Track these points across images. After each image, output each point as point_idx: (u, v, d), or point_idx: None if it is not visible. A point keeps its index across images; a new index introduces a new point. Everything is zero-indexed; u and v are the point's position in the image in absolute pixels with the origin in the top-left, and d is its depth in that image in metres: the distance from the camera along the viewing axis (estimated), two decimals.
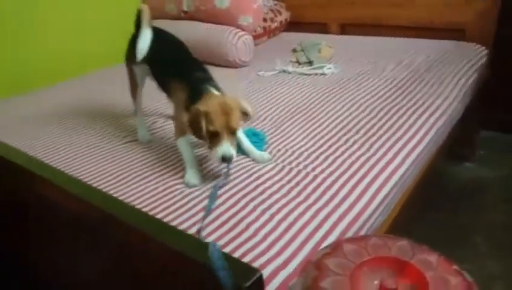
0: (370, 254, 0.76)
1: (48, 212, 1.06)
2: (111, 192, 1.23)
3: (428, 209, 1.82)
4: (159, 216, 1.10)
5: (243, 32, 2.24)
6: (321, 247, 0.96)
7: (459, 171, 2.28)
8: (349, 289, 0.69)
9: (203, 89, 1.22)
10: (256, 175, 1.26)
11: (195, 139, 1.29)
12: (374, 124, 1.51)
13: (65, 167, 1.39)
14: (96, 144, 1.55)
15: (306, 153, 1.36)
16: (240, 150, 1.35)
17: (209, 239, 1.01)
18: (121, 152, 1.48)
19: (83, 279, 1.05)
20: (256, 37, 2.49)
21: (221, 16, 2.29)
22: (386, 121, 1.52)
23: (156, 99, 1.79)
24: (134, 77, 1.55)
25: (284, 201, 1.13)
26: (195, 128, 1.18)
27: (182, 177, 1.27)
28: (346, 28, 2.67)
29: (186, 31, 2.07)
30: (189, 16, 2.41)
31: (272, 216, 1.08)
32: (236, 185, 1.22)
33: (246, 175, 1.26)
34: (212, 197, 1.16)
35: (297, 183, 1.20)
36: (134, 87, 1.58)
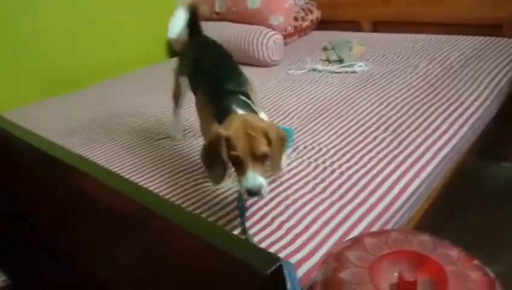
0: (390, 248, 0.77)
1: (86, 204, 1.13)
2: (145, 185, 1.29)
3: (462, 209, 1.78)
4: (189, 209, 1.15)
5: (273, 32, 2.27)
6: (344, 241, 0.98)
7: (496, 171, 2.20)
8: (368, 280, 0.71)
9: (227, 106, 1.09)
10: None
11: None
12: (404, 122, 1.50)
13: (102, 162, 1.47)
14: (131, 141, 1.62)
15: (333, 150, 1.37)
16: None
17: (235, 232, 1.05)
18: (154, 149, 1.54)
19: (118, 269, 1.11)
20: (286, 36, 2.52)
21: (252, 16, 2.33)
22: (416, 119, 1.51)
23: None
24: (178, 87, 1.51)
25: (309, 197, 1.16)
26: (214, 156, 1.02)
27: None
28: (378, 26, 2.65)
29: (218, 32, 2.13)
30: (221, 17, 2.47)
31: (296, 211, 1.10)
32: None
33: None
34: (242, 208, 1.14)
35: (323, 180, 1.22)
36: (177, 96, 1.54)
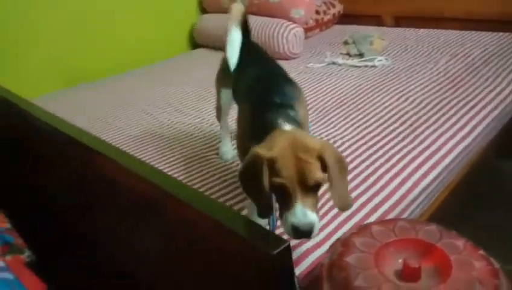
0: (397, 236, 0.79)
1: (112, 190, 1.18)
2: (170, 173, 1.34)
3: (477, 207, 1.76)
4: (208, 193, 1.19)
5: (294, 25, 2.28)
6: None
7: None
8: (373, 265, 0.73)
9: (271, 120, 0.90)
10: None
11: None
12: (421, 117, 1.50)
13: (128, 148, 1.53)
14: (155, 130, 1.67)
15: (348, 143, 1.39)
16: None
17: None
18: (180, 138, 1.58)
19: (142, 253, 1.16)
20: (308, 30, 2.52)
21: (273, 9, 2.35)
22: (434, 114, 1.51)
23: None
24: (220, 100, 1.34)
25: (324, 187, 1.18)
26: (253, 183, 0.83)
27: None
28: (400, 21, 2.62)
29: None
30: None
31: None
32: None
33: None
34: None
35: None
36: (220, 111, 1.38)
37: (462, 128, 1.41)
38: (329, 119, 1.57)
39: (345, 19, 2.79)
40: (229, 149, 1.40)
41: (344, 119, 1.55)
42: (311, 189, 0.80)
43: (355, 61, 2.11)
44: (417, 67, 1.94)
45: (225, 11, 2.63)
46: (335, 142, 1.40)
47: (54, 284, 1.14)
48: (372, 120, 1.52)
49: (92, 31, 2.34)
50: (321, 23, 2.66)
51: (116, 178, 1.11)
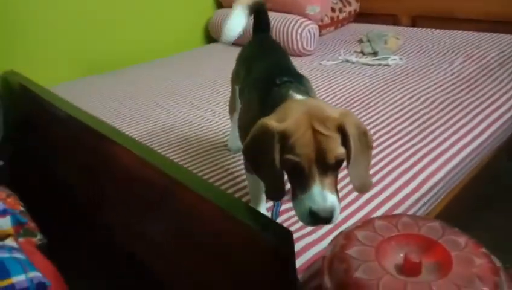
0: (399, 231, 0.80)
1: (123, 177, 1.21)
2: (178, 161, 1.36)
3: (486, 209, 1.75)
4: (217, 184, 1.21)
5: (308, 22, 2.29)
6: None
7: None
8: (374, 258, 0.74)
9: (280, 93, 0.81)
10: None
11: None
12: (432, 116, 1.49)
13: (139, 138, 1.55)
14: (167, 121, 1.70)
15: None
16: None
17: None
18: (191, 130, 1.61)
19: (152, 239, 1.19)
20: (323, 27, 2.53)
21: (289, 5, 2.35)
22: (445, 114, 1.50)
23: None
24: (234, 97, 1.30)
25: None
26: (260, 160, 0.74)
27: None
28: (417, 20, 2.61)
29: None
30: None
31: None
32: None
33: None
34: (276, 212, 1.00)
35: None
36: (232, 107, 1.34)
37: (472, 129, 1.41)
38: None
39: (361, 17, 2.78)
40: (237, 141, 1.38)
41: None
42: (331, 168, 0.70)
43: (368, 60, 2.11)
44: (431, 67, 1.93)
45: None
46: None
47: (63, 267, 1.18)
48: (382, 118, 1.52)
49: (108, 23, 2.37)
50: (336, 20, 2.65)
51: (127, 165, 1.14)
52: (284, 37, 2.29)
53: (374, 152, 1.31)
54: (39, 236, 1.25)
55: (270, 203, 1.11)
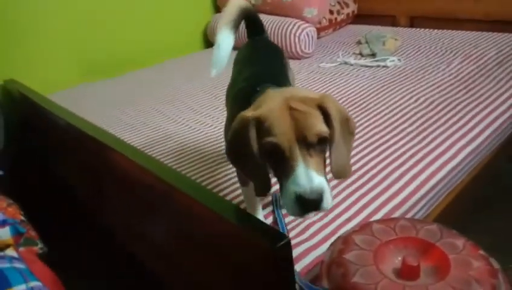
0: (397, 234, 0.80)
1: (122, 182, 1.21)
2: (175, 167, 1.36)
3: (488, 211, 1.74)
4: (215, 190, 1.21)
5: (306, 24, 2.29)
6: None
7: None
8: (372, 262, 0.74)
9: (258, 91, 0.78)
10: None
11: None
12: (430, 117, 1.49)
13: (137, 144, 1.56)
14: (166, 127, 1.70)
15: (356, 142, 1.39)
16: None
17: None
18: (190, 136, 1.61)
19: (152, 242, 1.19)
20: (321, 29, 2.53)
21: (286, 8, 2.36)
22: (443, 115, 1.50)
23: None
24: None
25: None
26: (241, 154, 0.71)
27: None
28: (415, 21, 2.61)
29: None
30: (256, 9, 2.50)
31: None
32: None
33: None
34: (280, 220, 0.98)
35: None
36: None
37: (471, 129, 1.40)
38: None
39: (359, 19, 2.79)
40: None
41: (353, 119, 1.55)
42: (313, 147, 0.65)
43: (367, 61, 2.11)
44: (429, 68, 1.93)
45: None
46: None
47: (64, 274, 1.18)
48: (381, 120, 1.52)
49: (106, 29, 2.38)
50: (335, 22, 2.66)
51: (127, 170, 1.15)
52: (282, 40, 2.29)
53: (372, 154, 1.32)
54: (40, 245, 1.25)
55: (265, 211, 1.11)
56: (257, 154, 0.67)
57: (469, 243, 0.76)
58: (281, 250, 0.72)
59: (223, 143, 1.48)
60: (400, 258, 0.75)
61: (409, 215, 1.13)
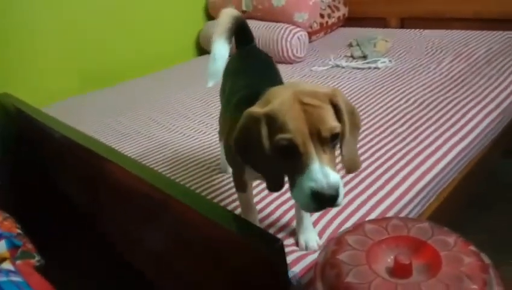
0: (389, 233, 0.80)
1: (118, 191, 1.22)
2: (170, 175, 1.37)
3: (481, 209, 1.74)
4: (210, 197, 1.22)
5: (297, 29, 2.31)
6: None
7: None
8: (365, 262, 0.74)
9: (258, 92, 0.76)
10: None
11: None
12: (422, 116, 1.51)
13: (132, 153, 1.56)
14: (160, 135, 1.71)
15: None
16: None
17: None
18: (181, 143, 1.62)
19: (149, 251, 1.20)
20: (312, 33, 2.55)
21: (277, 14, 2.38)
22: (435, 114, 1.51)
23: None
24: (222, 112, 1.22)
25: None
26: (253, 152, 0.70)
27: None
28: (405, 22, 2.63)
29: None
30: (247, 16, 2.52)
31: None
32: None
33: None
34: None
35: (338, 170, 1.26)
36: (221, 124, 1.27)
37: (462, 127, 1.42)
38: None
39: (350, 21, 2.81)
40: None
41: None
42: (326, 143, 0.64)
43: (358, 64, 2.13)
44: (420, 67, 1.95)
45: None
46: None
47: (62, 287, 1.18)
48: (373, 121, 1.53)
49: (98, 39, 2.39)
50: (326, 26, 2.68)
51: (121, 179, 1.16)
52: (274, 45, 2.31)
53: (365, 155, 1.32)
54: (37, 257, 1.26)
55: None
56: (269, 150, 0.67)
57: (460, 239, 0.77)
58: (275, 254, 0.73)
59: (218, 150, 1.49)
60: (392, 257, 0.75)
61: (402, 215, 1.14)
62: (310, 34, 2.46)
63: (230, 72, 1.10)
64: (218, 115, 1.44)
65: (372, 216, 1.09)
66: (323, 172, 0.63)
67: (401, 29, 2.57)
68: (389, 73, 1.96)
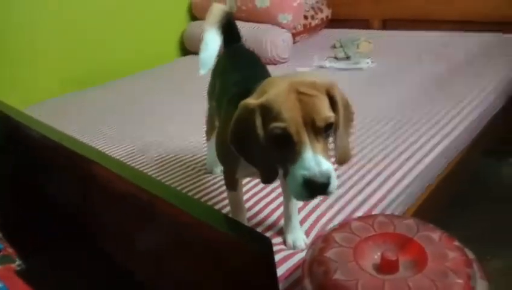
0: (376, 230, 0.81)
1: (104, 193, 1.20)
2: (157, 176, 1.36)
3: (465, 207, 1.78)
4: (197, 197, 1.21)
5: (282, 30, 2.32)
6: None
7: (505, 169, 2.19)
8: (352, 259, 0.75)
9: (250, 88, 0.76)
10: None
11: None
12: (404, 116, 1.53)
13: (117, 155, 1.55)
14: (145, 137, 1.70)
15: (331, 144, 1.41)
16: None
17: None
18: (167, 144, 1.61)
19: (139, 252, 1.18)
20: (296, 35, 2.56)
21: (261, 15, 2.38)
22: (417, 113, 1.54)
23: None
24: (210, 112, 1.25)
25: None
26: (247, 144, 0.71)
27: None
28: (388, 24, 2.68)
29: None
30: None
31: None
32: None
33: None
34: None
35: None
36: (210, 125, 1.27)
37: (444, 126, 1.44)
38: None
39: (333, 23, 2.84)
40: (213, 161, 1.29)
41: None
42: (320, 132, 0.65)
43: (342, 64, 2.15)
44: (402, 68, 1.98)
45: None
46: None
47: (63, 267, 1.16)
48: (357, 121, 1.54)
49: (83, 40, 2.37)
50: (309, 27, 2.70)
51: (109, 183, 1.14)
52: (258, 46, 2.31)
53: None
54: (18, 262, 1.23)
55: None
56: (263, 140, 0.68)
57: (445, 235, 0.79)
58: (264, 253, 0.73)
59: (205, 151, 1.49)
60: (379, 254, 0.76)
61: (388, 212, 1.15)
62: (293, 35, 2.48)
63: (218, 71, 1.10)
64: (204, 115, 1.44)
65: (359, 214, 1.10)
66: (316, 160, 0.64)
67: (384, 31, 2.61)
68: (372, 74, 1.98)
